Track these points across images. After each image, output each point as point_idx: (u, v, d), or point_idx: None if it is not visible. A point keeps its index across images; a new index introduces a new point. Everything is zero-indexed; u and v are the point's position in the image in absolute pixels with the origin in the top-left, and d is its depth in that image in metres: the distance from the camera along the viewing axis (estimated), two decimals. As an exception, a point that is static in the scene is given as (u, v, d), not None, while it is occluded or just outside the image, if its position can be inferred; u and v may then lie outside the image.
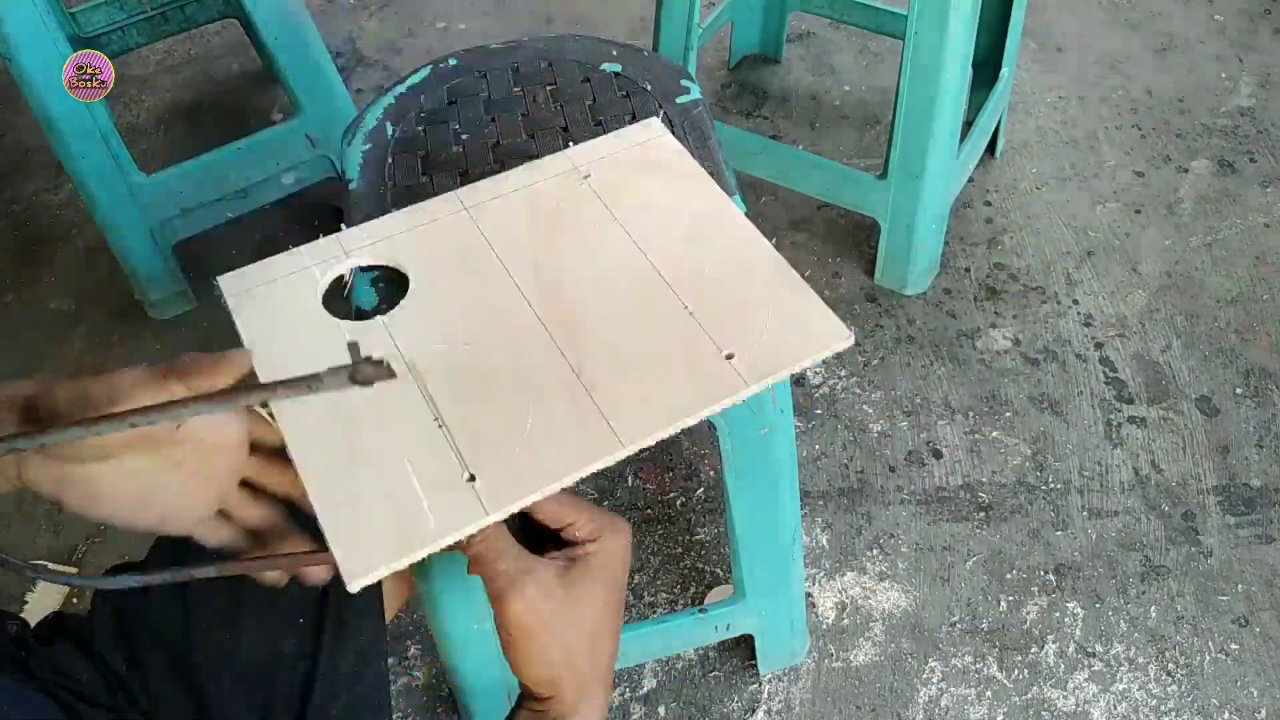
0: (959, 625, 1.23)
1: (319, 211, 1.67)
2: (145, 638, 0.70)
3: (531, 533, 0.57)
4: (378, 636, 0.76)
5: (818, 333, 0.59)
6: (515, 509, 0.52)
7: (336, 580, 0.74)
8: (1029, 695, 1.17)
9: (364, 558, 0.49)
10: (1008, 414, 1.42)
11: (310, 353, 0.59)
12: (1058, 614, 1.23)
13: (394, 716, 1.16)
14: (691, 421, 0.55)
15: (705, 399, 0.56)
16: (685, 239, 0.65)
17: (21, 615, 0.96)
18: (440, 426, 0.54)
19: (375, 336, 0.60)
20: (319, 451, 0.53)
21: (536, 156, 0.77)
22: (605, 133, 0.76)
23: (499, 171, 0.73)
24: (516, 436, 0.54)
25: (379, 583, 0.76)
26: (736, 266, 0.63)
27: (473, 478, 0.52)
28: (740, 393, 0.56)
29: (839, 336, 0.59)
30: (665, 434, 0.55)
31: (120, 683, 0.68)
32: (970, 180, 1.70)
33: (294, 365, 0.57)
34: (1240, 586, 1.24)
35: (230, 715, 0.70)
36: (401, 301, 0.62)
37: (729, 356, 0.58)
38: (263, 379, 0.56)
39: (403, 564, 0.50)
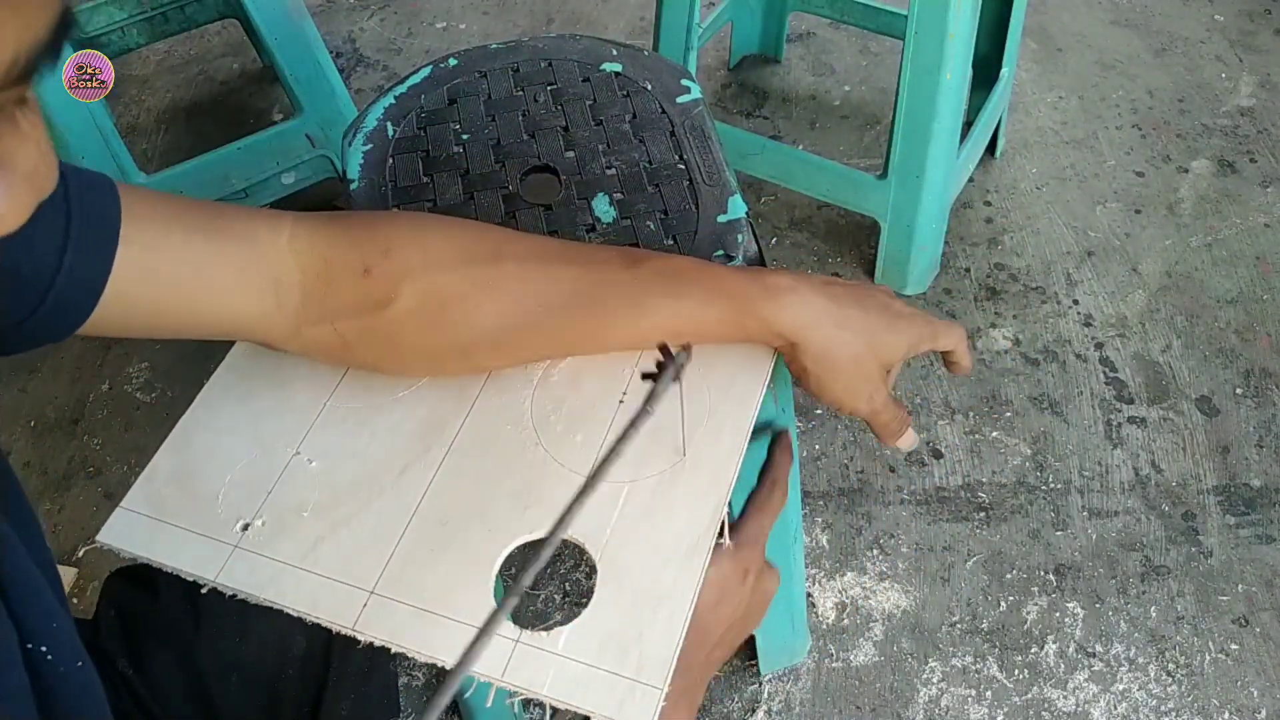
0: (959, 625, 1.23)
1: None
2: (152, 640, 0.70)
3: None
4: None
5: None
6: None
7: None
8: (1029, 695, 1.17)
9: None
10: (1008, 414, 1.42)
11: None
12: (1058, 614, 1.23)
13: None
14: None
15: None
16: None
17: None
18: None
19: None
20: None
21: (537, 157, 0.77)
22: (605, 132, 0.76)
23: (499, 171, 0.73)
24: None
25: None
26: None
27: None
28: None
29: None
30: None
31: (125, 683, 0.68)
32: (970, 180, 1.70)
33: None
34: (1240, 586, 1.24)
35: (238, 718, 0.70)
36: None
37: None
38: None
39: None
